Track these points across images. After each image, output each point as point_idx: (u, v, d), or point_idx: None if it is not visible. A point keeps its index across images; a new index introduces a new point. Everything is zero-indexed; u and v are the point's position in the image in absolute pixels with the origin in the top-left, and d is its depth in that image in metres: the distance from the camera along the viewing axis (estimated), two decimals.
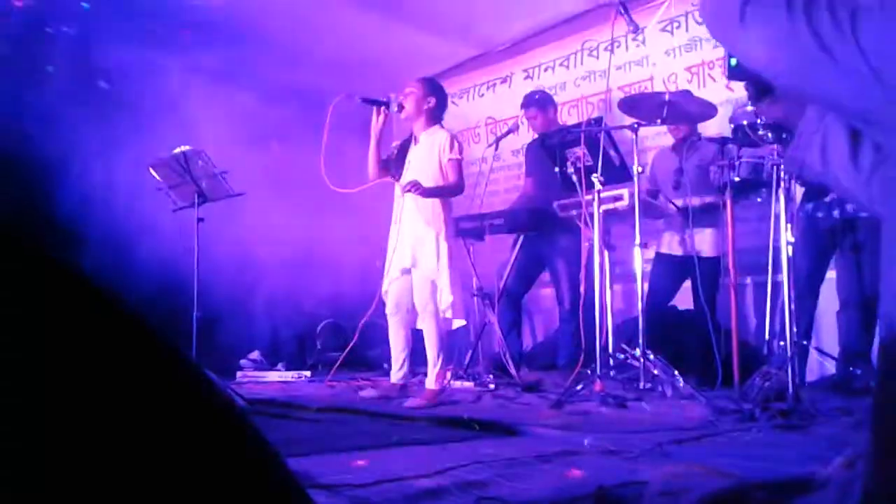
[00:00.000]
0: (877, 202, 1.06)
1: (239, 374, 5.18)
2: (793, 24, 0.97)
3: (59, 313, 0.76)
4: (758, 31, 1.03)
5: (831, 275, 3.99)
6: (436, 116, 3.99)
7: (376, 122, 3.92)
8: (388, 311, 3.98)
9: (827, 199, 3.72)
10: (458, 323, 3.92)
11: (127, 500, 0.71)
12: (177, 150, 3.96)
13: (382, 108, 3.90)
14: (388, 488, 1.79)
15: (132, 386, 0.76)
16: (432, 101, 3.95)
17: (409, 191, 3.75)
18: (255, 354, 5.59)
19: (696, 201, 4.09)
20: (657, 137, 4.90)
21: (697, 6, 5.24)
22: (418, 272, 3.82)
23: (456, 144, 3.90)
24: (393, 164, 4.01)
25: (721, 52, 5.15)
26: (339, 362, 4.40)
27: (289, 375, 5.21)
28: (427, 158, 3.90)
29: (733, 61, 1.31)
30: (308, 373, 5.29)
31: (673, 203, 4.30)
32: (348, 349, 4.30)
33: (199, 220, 4.03)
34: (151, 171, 4.08)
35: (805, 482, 1.18)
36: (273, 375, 5.21)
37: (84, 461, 0.70)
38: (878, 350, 0.97)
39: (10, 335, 0.71)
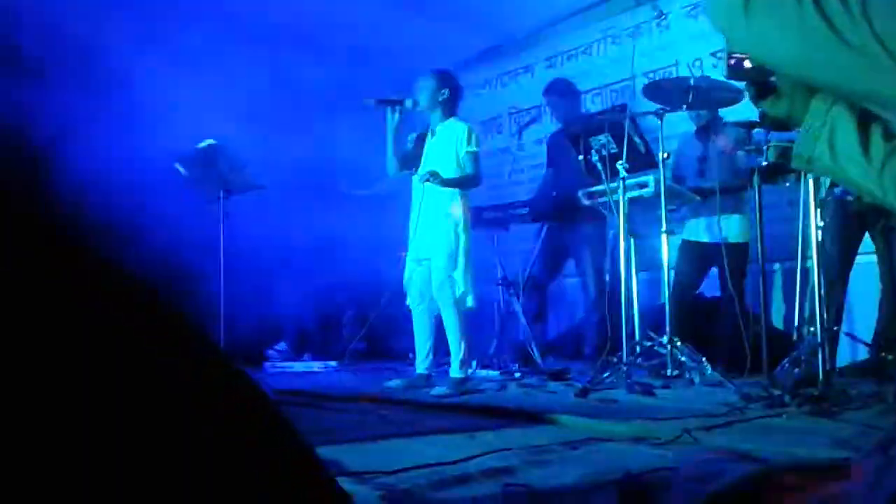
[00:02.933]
0: (890, 193, 1.03)
1: (266, 364, 5.23)
2: (801, 11, 0.94)
3: (93, 302, 0.77)
4: (765, 20, 1.01)
5: (862, 259, 3.93)
6: (451, 108, 3.98)
7: (392, 121, 3.92)
8: (410, 301, 3.99)
9: None
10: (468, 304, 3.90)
11: (164, 487, 0.72)
12: (202, 145, 3.97)
13: (397, 106, 3.89)
14: (415, 475, 1.79)
15: (165, 375, 0.77)
16: (446, 92, 3.93)
17: (427, 181, 3.76)
18: (281, 345, 5.63)
19: (719, 186, 4.05)
20: (683, 123, 4.84)
21: None
22: (436, 263, 3.82)
23: (473, 136, 3.89)
24: (411, 156, 4.01)
25: None
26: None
27: (315, 366, 5.25)
28: (444, 150, 3.89)
29: (732, 60, 1.27)
30: (334, 363, 5.32)
31: (698, 190, 4.25)
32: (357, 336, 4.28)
33: (225, 213, 4.05)
34: (177, 165, 4.11)
35: (838, 466, 1.15)
36: (299, 366, 5.25)
37: (119, 447, 0.70)
38: None
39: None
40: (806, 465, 1.11)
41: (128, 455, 0.71)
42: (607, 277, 4.55)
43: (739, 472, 1.21)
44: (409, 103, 3.91)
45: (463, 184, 3.87)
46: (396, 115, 3.91)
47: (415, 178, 3.97)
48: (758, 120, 3.55)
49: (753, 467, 1.27)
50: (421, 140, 4.04)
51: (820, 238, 3.25)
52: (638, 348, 3.71)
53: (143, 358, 0.76)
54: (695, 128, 4.61)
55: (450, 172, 3.85)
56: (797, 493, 1.04)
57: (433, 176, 3.74)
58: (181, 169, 4.13)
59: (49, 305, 0.74)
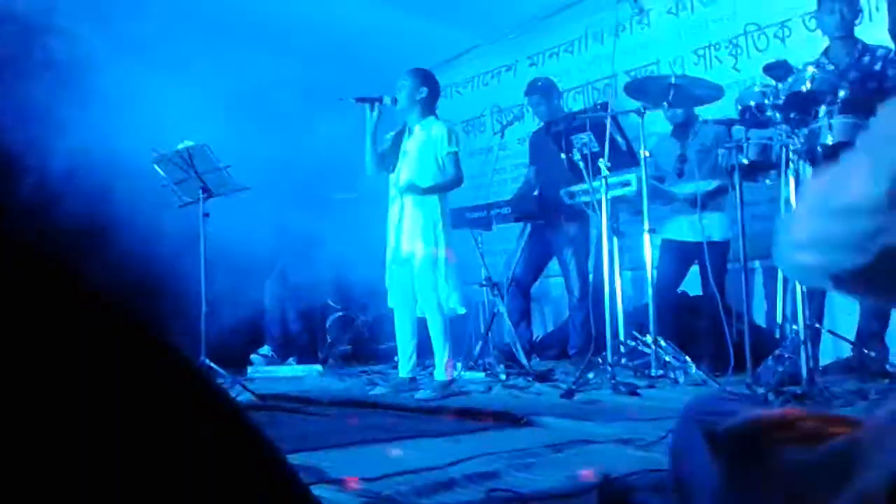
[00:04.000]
0: None
1: (250, 369, 5.18)
2: None
3: (49, 312, 0.74)
4: None
5: None
6: (429, 107, 3.97)
7: (371, 119, 3.91)
8: (392, 303, 3.97)
9: None
10: (456, 310, 3.88)
11: (121, 500, 0.69)
12: (181, 146, 3.93)
13: (376, 103, 3.88)
14: (398, 481, 1.77)
15: (122, 384, 0.74)
16: (423, 91, 3.93)
17: (405, 192, 3.76)
18: (265, 349, 5.59)
19: (703, 186, 4.05)
20: (662, 122, 4.85)
21: None
22: (417, 263, 3.81)
23: (454, 137, 3.89)
24: (388, 155, 3.99)
25: (730, 32, 5.10)
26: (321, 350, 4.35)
27: (300, 370, 5.21)
28: (423, 151, 3.88)
29: None
30: (319, 367, 5.28)
31: (676, 192, 4.25)
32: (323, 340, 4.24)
33: (205, 215, 4.01)
34: (155, 166, 4.06)
35: (856, 420, 1.09)
36: (284, 370, 5.21)
37: (77, 460, 0.68)
38: None
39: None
40: (824, 415, 1.07)
41: (87, 467, 0.69)
42: (591, 277, 4.54)
43: (753, 412, 1.15)
44: (387, 101, 3.90)
45: (443, 188, 3.86)
46: (375, 113, 3.90)
47: (391, 178, 3.96)
48: (737, 117, 3.56)
49: (769, 409, 1.21)
50: (398, 138, 4.03)
51: None
52: (622, 348, 3.70)
53: (101, 367, 0.74)
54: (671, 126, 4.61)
55: (430, 173, 3.84)
56: (814, 438, 0.99)
57: (411, 188, 3.74)
58: (160, 170, 4.08)
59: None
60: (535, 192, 5.17)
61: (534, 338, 5.35)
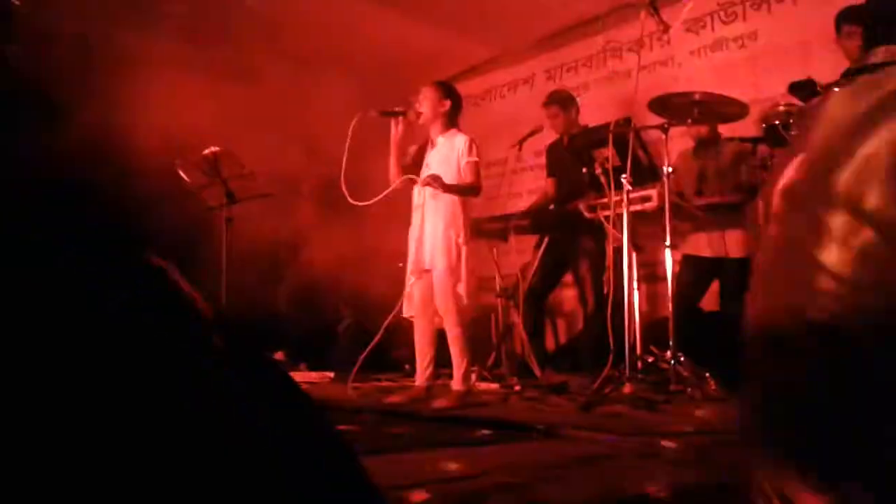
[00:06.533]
0: None
1: None
2: None
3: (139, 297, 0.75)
4: None
5: None
6: (452, 119, 4.00)
7: (395, 132, 3.94)
8: (413, 312, 3.97)
9: None
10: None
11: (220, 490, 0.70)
12: (206, 151, 3.96)
13: (400, 117, 3.90)
14: (430, 490, 1.77)
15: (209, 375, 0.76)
16: (447, 104, 3.96)
17: (428, 184, 3.78)
18: (279, 355, 5.59)
19: (722, 199, 4.07)
20: (684, 138, 4.86)
21: (723, 5, 5.22)
22: (437, 274, 3.82)
23: (473, 147, 3.92)
24: (411, 168, 4.02)
25: (750, 51, 5.11)
26: (359, 363, 4.34)
27: (313, 376, 5.21)
28: (445, 161, 3.91)
29: None
30: (332, 374, 5.28)
31: (697, 208, 4.26)
32: (369, 348, 4.22)
33: (228, 219, 4.03)
34: (180, 172, 4.09)
35: None
36: (297, 377, 5.20)
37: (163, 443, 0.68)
38: None
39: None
40: None
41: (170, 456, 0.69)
42: (607, 290, 4.54)
43: None
44: (411, 114, 3.93)
45: (463, 191, 3.88)
46: (400, 126, 3.93)
47: (415, 189, 3.98)
48: (762, 136, 3.58)
49: None
50: (421, 152, 4.06)
51: None
52: (639, 363, 3.70)
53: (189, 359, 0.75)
54: (693, 144, 4.62)
55: (449, 180, 3.86)
56: None
57: (434, 180, 3.75)
58: (184, 175, 4.10)
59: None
60: (552, 206, 5.18)
61: (547, 350, 5.34)
